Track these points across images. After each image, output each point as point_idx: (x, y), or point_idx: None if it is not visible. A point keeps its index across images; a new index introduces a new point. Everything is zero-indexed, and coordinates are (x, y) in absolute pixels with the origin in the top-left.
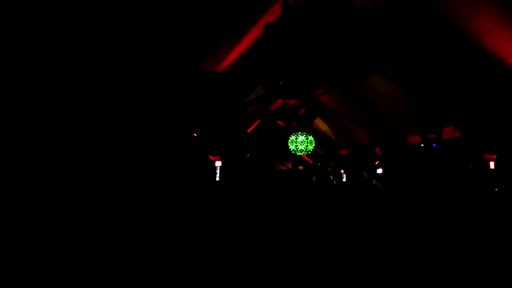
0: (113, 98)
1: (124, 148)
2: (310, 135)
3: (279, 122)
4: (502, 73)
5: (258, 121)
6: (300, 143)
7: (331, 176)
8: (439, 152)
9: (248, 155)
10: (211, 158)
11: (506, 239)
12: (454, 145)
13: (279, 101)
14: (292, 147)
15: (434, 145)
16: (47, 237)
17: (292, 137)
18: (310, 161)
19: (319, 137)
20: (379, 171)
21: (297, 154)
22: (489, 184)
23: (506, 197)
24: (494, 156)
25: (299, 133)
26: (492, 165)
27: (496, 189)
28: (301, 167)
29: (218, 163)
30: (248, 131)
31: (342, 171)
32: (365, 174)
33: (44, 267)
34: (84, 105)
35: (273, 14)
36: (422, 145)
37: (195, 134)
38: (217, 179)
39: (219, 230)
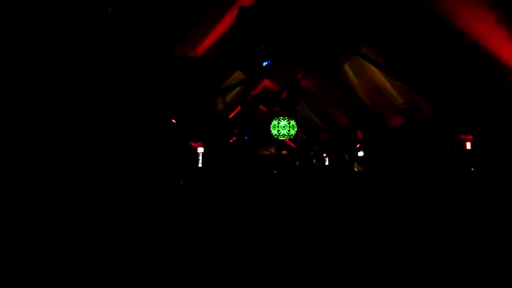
0: (88, 87)
1: (102, 138)
2: (292, 120)
3: (261, 107)
4: (476, 53)
5: (239, 107)
6: (282, 127)
7: (314, 160)
8: (416, 134)
9: (230, 141)
10: (193, 144)
11: (483, 218)
12: (431, 126)
13: (261, 86)
14: (274, 131)
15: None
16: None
17: (274, 122)
18: (293, 146)
19: (301, 121)
20: (360, 153)
21: (280, 138)
22: (465, 164)
23: (482, 177)
24: (470, 137)
25: (281, 117)
26: (468, 145)
27: (472, 169)
28: (284, 152)
29: (200, 150)
30: (230, 116)
31: (324, 154)
32: (346, 157)
33: (35, 266)
34: (57, 94)
35: None
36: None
37: (173, 121)
38: (200, 165)
39: (204, 218)
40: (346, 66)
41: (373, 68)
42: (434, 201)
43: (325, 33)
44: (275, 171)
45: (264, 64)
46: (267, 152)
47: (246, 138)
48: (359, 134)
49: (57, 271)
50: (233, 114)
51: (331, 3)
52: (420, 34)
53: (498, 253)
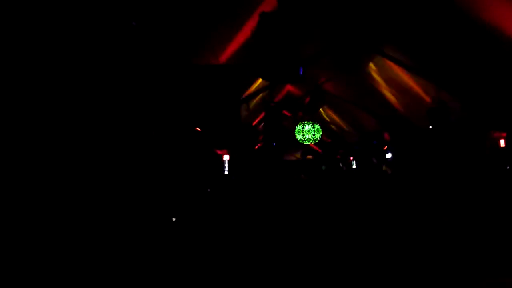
0: (113, 98)
1: (130, 148)
2: (316, 124)
3: (285, 112)
4: (506, 48)
5: (263, 113)
6: (307, 132)
7: (340, 164)
8: (447, 134)
9: (256, 147)
10: (219, 152)
11: None
12: (462, 125)
13: (284, 92)
14: (299, 136)
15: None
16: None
17: (299, 127)
18: (319, 150)
19: (326, 125)
20: (388, 156)
21: (305, 143)
22: (501, 163)
23: None
24: (504, 134)
25: (306, 122)
26: (502, 143)
27: (508, 167)
28: (310, 156)
29: (226, 157)
30: (254, 123)
31: (351, 158)
32: (374, 160)
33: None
34: (85, 106)
35: (269, 3)
36: (430, 127)
37: (198, 129)
38: (226, 172)
39: (229, 224)
40: (370, 67)
41: (398, 68)
42: (467, 202)
43: (347, 34)
44: (323, 167)
45: (300, 72)
46: (292, 158)
47: (274, 144)
48: (387, 136)
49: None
50: (257, 120)
51: (353, 4)
52: (445, 30)
53: None
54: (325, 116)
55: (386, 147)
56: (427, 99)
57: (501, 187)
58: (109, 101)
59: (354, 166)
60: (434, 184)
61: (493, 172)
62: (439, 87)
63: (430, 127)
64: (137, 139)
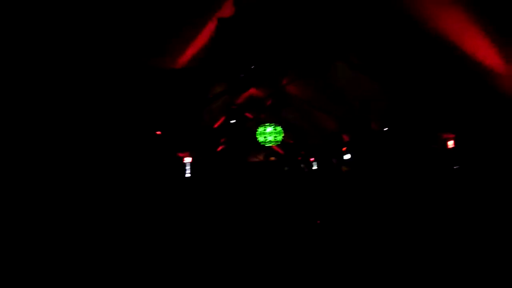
0: (72, 101)
1: (85, 152)
2: (278, 126)
3: (248, 115)
4: (455, 55)
5: (225, 116)
6: (269, 134)
7: (302, 165)
8: (401, 135)
9: (218, 149)
10: (180, 155)
11: (466, 214)
12: (415, 126)
13: (246, 94)
14: (261, 138)
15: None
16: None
17: (260, 129)
18: (281, 152)
19: (288, 127)
20: (347, 157)
21: (266, 145)
22: (449, 163)
23: (465, 174)
24: (452, 136)
25: (267, 124)
26: (451, 144)
27: (455, 167)
28: (272, 158)
29: (187, 160)
30: (215, 126)
31: (312, 159)
32: (334, 161)
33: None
34: (41, 108)
35: (228, 8)
36: (385, 129)
37: (159, 132)
38: (188, 175)
39: (193, 225)
40: (331, 71)
41: (356, 72)
42: (419, 200)
43: (308, 41)
44: (286, 168)
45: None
46: (255, 159)
47: (234, 145)
48: (345, 138)
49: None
50: (219, 123)
51: (314, 11)
52: (400, 38)
53: (484, 249)
54: (287, 118)
55: (345, 148)
56: (383, 102)
57: (449, 186)
58: (67, 103)
59: (315, 167)
60: (387, 183)
61: (442, 171)
62: (393, 91)
63: (385, 129)
64: (95, 142)
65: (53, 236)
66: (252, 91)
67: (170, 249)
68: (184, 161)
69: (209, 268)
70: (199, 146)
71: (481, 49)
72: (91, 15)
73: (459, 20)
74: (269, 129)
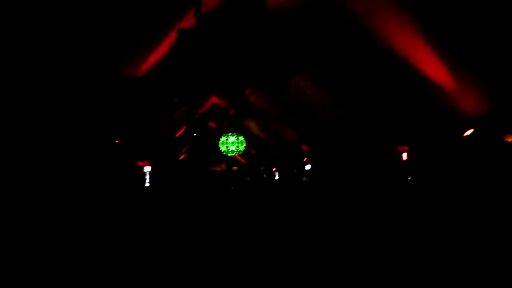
0: (27, 107)
1: (40, 160)
2: (240, 136)
3: (211, 124)
4: (408, 71)
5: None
6: (231, 143)
7: (264, 175)
8: (359, 146)
9: (180, 158)
10: (140, 163)
11: (419, 222)
12: (371, 138)
13: (209, 104)
14: (223, 148)
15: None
16: None
17: (223, 138)
18: (243, 161)
19: (251, 137)
20: (308, 167)
21: (229, 155)
22: (403, 174)
23: (418, 185)
24: (406, 148)
25: (230, 134)
26: (404, 156)
27: (409, 178)
28: (235, 168)
29: (147, 169)
30: (177, 135)
31: (274, 169)
32: (295, 170)
33: None
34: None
35: (190, 20)
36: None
37: (117, 141)
38: (147, 184)
39: (152, 235)
40: (292, 82)
41: (315, 85)
42: (375, 209)
43: (268, 53)
44: (232, 188)
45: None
46: (217, 169)
47: (196, 155)
48: (306, 148)
49: None
50: (180, 132)
51: (274, 24)
52: (357, 54)
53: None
54: (249, 128)
55: (305, 158)
56: (342, 114)
57: (403, 196)
58: (22, 109)
59: (277, 177)
60: (345, 192)
61: (397, 182)
62: (350, 105)
63: (343, 140)
64: (49, 149)
65: None
66: (215, 100)
67: (125, 260)
68: (144, 170)
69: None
70: (159, 155)
71: (432, 66)
72: (52, 22)
73: (413, 39)
74: (232, 138)
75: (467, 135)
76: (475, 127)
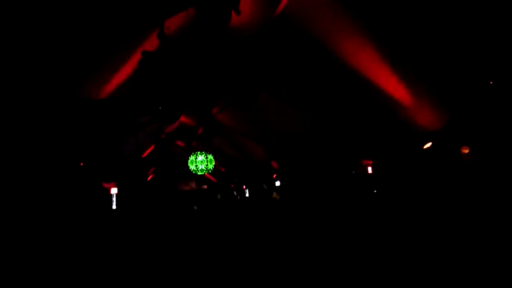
0: None
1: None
2: (209, 154)
3: (179, 143)
4: (368, 88)
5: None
6: (200, 162)
7: (234, 192)
8: (326, 162)
9: (148, 179)
10: (106, 185)
11: (384, 232)
12: (337, 153)
13: (176, 123)
14: (192, 167)
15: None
16: None
17: (192, 157)
18: (214, 180)
19: (220, 155)
20: (278, 183)
21: (198, 173)
22: (369, 186)
23: (383, 196)
24: (371, 162)
25: (198, 152)
26: (370, 170)
27: (375, 191)
28: (204, 186)
29: (113, 190)
30: (144, 155)
31: (244, 186)
32: (265, 186)
33: None
34: None
35: (153, 42)
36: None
37: (81, 163)
38: (114, 207)
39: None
40: (257, 101)
41: (282, 103)
42: (343, 221)
43: (234, 72)
44: (195, 207)
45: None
46: (187, 188)
47: (165, 174)
48: (275, 165)
49: None
50: (147, 152)
51: (237, 45)
52: (322, 72)
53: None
54: (218, 146)
55: (275, 175)
56: (308, 130)
57: (370, 207)
58: None
59: (247, 194)
60: (313, 206)
61: (363, 194)
62: (315, 121)
63: (310, 155)
64: (11, 173)
65: None
66: (183, 119)
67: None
68: (111, 193)
69: None
70: (126, 176)
71: (391, 83)
72: (14, 44)
73: (373, 57)
74: (200, 157)
75: (427, 148)
76: (433, 140)
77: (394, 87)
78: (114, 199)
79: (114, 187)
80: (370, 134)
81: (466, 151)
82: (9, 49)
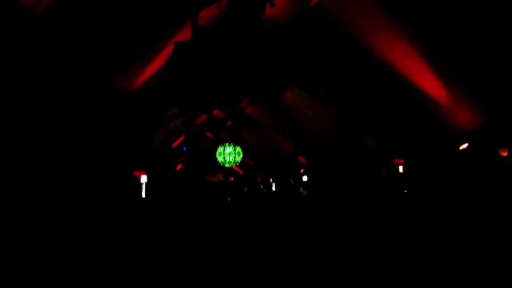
0: (22, 119)
1: (34, 173)
2: (237, 146)
3: (208, 134)
4: (403, 84)
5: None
6: (228, 154)
7: (261, 186)
8: (355, 158)
9: (177, 168)
10: (136, 173)
11: (414, 235)
12: (369, 151)
13: (205, 115)
14: (220, 159)
15: None
16: None
17: (220, 149)
18: (241, 172)
19: (248, 148)
20: (304, 178)
21: (226, 165)
22: (399, 187)
23: (413, 197)
24: (402, 161)
25: (227, 144)
26: (400, 169)
27: (405, 191)
28: (231, 178)
29: (143, 179)
30: (174, 145)
31: (271, 180)
32: (292, 181)
33: None
34: None
35: (186, 33)
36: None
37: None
38: (143, 195)
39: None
40: (287, 95)
41: (312, 97)
42: (371, 221)
43: (264, 64)
44: (245, 189)
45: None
46: (214, 179)
47: (193, 164)
48: (302, 160)
49: None
50: (177, 142)
51: (269, 38)
52: (353, 68)
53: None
54: (246, 139)
55: (302, 170)
56: (338, 126)
57: (399, 208)
58: (18, 122)
59: (273, 188)
60: (340, 204)
61: (393, 194)
62: (347, 118)
63: (339, 152)
64: (42, 163)
65: None
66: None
67: (121, 272)
68: (140, 181)
69: None
70: (156, 165)
71: (428, 80)
72: (49, 35)
73: (408, 53)
74: (229, 149)
75: (463, 149)
76: (470, 141)
77: (431, 85)
78: (143, 187)
79: (144, 175)
80: (402, 132)
81: (505, 153)
82: (44, 41)
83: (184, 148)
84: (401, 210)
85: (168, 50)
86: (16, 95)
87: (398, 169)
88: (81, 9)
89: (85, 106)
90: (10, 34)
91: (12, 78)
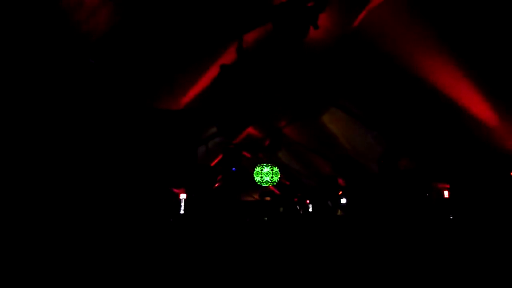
0: (70, 138)
1: (82, 188)
2: (275, 167)
3: (245, 153)
4: (449, 107)
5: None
6: (265, 174)
7: (297, 206)
8: (396, 182)
9: (214, 186)
10: (176, 191)
11: (463, 264)
12: (410, 175)
13: (244, 134)
14: (257, 178)
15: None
16: None
17: (258, 169)
18: (277, 192)
19: (285, 168)
20: (343, 200)
21: (263, 185)
22: (445, 212)
23: (461, 224)
24: (447, 186)
25: (264, 164)
26: (446, 194)
27: (451, 217)
28: (268, 198)
29: (182, 196)
30: (212, 164)
31: (308, 201)
32: (329, 203)
33: None
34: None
35: (231, 55)
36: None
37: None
38: (182, 211)
39: (185, 264)
40: (326, 116)
41: (352, 119)
42: (414, 248)
43: (306, 86)
44: (266, 218)
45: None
46: (250, 198)
47: (230, 183)
48: (341, 181)
49: None
50: (216, 161)
51: (308, 61)
52: (395, 89)
53: None
54: (284, 159)
55: (340, 192)
56: (378, 148)
57: (446, 235)
58: (65, 140)
59: (310, 209)
60: (383, 230)
61: (438, 220)
62: (388, 140)
63: (380, 175)
64: (90, 177)
65: None
66: (250, 130)
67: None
68: (180, 198)
69: None
70: (195, 183)
71: (475, 103)
72: (97, 56)
73: (454, 75)
74: (266, 169)
75: None
76: None
77: (479, 107)
78: (182, 204)
79: (183, 193)
80: (447, 155)
81: None
82: (99, 62)
83: (234, 169)
84: (447, 237)
85: (212, 71)
86: (69, 111)
87: (443, 194)
88: (135, 35)
89: (131, 125)
90: (71, 55)
91: (69, 96)
